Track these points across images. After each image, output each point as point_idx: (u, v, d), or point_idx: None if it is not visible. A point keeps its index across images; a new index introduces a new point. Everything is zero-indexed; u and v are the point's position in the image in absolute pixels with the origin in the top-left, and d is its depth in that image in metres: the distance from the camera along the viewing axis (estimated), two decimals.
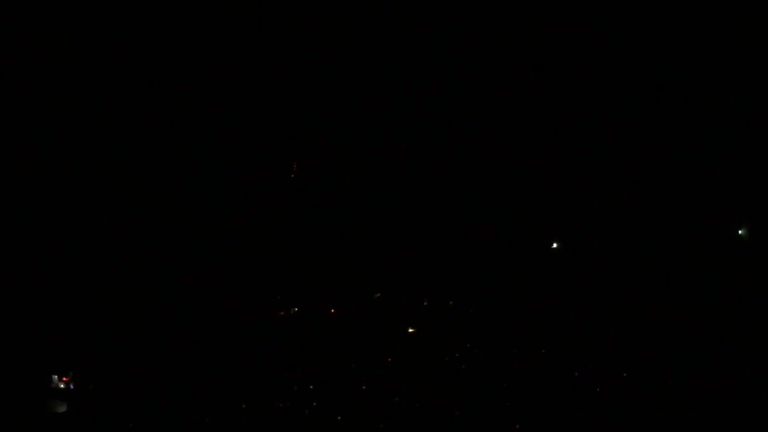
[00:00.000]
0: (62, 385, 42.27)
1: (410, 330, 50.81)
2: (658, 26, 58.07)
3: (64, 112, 45.44)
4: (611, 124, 61.38)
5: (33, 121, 43.99)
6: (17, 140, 44.21)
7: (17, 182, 45.54)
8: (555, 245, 59.98)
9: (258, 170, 52.42)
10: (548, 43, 60.06)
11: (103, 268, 46.66)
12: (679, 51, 59.45)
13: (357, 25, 53.96)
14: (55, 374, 42.51)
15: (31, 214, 44.91)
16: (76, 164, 46.78)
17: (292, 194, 54.12)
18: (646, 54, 60.46)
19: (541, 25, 58.98)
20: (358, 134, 57.26)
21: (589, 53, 60.33)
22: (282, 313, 52.61)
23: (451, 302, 55.35)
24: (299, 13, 50.99)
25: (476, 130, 60.75)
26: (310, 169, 54.54)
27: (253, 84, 51.55)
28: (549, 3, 57.44)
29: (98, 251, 46.50)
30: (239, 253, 52.73)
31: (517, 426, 39.11)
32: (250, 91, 51.63)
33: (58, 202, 45.22)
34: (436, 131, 59.68)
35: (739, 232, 59.76)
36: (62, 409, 41.78)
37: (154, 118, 48.07)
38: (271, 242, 53.53)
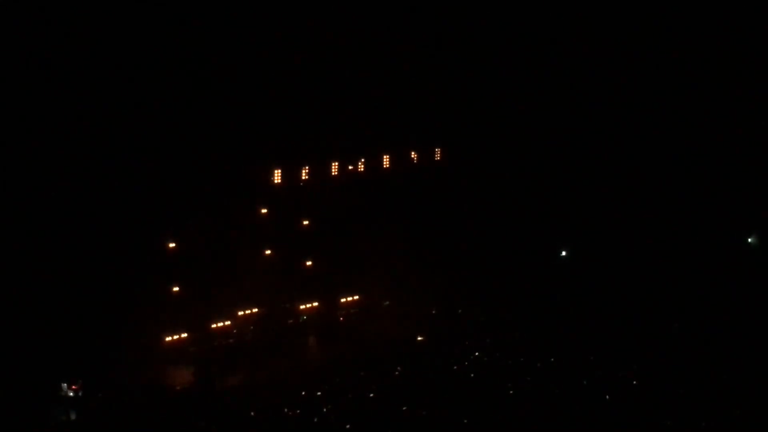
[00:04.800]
0: (71, 393, 42.04)
1: (419, 338, 50.46)
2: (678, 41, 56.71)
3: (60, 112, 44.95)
4: (620, 136, 60.57)
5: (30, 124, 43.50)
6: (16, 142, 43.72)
7: (22, 193, 44.98)
8: (563, 254, 59.27)
9: (267, 177, 52.03)
10: (561, 57, 59.35)
11: (112, 280, 46.18)
12: (690, 67, 58.70)
13: (356, 28, 53.37)
14: (64, 382, 42.23)
15: (45, 229, 44.51)
16: (88, 178, 46.25)
17: (303, 203, 53.63)
18: (656, 70, 59.67)
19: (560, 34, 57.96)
20: (365, 142, 56.77)
21: (601, 70, 59.56)
22: (291, 321, 52.23)
23: (459, 311, 54.85)
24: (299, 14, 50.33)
25: (485, 144, 60.14)
26: (320, 177, 54.09)
27: (256, 90, 51.00)
28: (556, 5, 56.61)
29: (107, 264, 46.09)
30: (248, 263, 52.11)
31: None
32: (252, 96, 51.10)
33: (73, 217, 44.83)
34: (444, 144, 59.12)
35: (749, 240, 58.87)
36: (71, 416, 41.38)
37: (153, 120, 47.67)
38: (280, 251, 53.03)
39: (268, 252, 52.20)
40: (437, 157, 58.50)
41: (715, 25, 56.84)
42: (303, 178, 53.37)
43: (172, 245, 48.78)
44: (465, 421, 40.82)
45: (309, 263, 53.83)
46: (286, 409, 42.34)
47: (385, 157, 56.42)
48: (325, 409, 42.05)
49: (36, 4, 43.43)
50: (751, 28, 56.73)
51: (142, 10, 45.49)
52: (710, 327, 49.61)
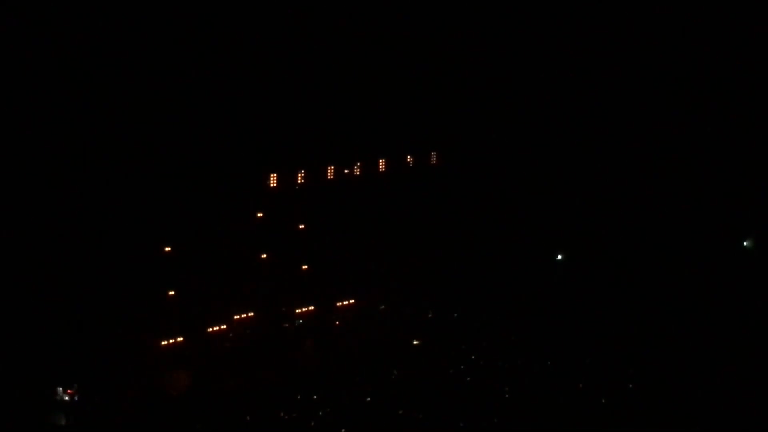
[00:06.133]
0: (67, 398, 42.00)
1: (415, 342, 50.47)
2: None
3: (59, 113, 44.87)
4: (615, 140, 60.64)
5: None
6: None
7: (23, 197, 44.93)
8: (559, 257, 59.34)
9: (265, 180, 52.08)
10: (553, 63, 59.47)
11: (108, 284, 46.12)
12: (684, 70, 58.71)
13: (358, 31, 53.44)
14: (59, 387, 42.18)
15: (41, 232, 44.41)
16: (92, 189, 46.15)
17: (299, 207, 53.67)
18: (649, 73, 59.71)
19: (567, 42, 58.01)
20: (360, 146, 56.82)
21: (594, 73, 59.66)
22: (287, 324, 52.28)
23: (455, 314, 54.94)
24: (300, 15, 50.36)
25: (481, 148, 60.21)
26: (317, 181, 54.12)
27: (258, 92, 50.99)
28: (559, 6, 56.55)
29: (103, 267, 46.01)
30: (244, 267, 52.06)
31: None
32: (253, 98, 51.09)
33: (68, 221, 44.77)
34: (441, 149, 59.23)
35: (744, 243, 58.98)
36: (67, 420, 41.31)
37: (154, 122, 47.62)
38: (276, 255, 53.05)
39: (264, 256, 52.20)
40: (433, 160, 58.51)
41: (714, 25, 56.90)
42: (299, 181, 53.39)
43: (167, 249, 48.73)
44: (461, 424, 40.89)
45: (305, 267, 53.81)
46: (282, 413, 42.36)
47: (381, 160, 56.43)
48: (321, 413, 42.08)
49: (35, 3, 43.53)
50: (750, 28, 56.81)
51: (141, 12, 45.56)
52: (707, 331, 49.69)
